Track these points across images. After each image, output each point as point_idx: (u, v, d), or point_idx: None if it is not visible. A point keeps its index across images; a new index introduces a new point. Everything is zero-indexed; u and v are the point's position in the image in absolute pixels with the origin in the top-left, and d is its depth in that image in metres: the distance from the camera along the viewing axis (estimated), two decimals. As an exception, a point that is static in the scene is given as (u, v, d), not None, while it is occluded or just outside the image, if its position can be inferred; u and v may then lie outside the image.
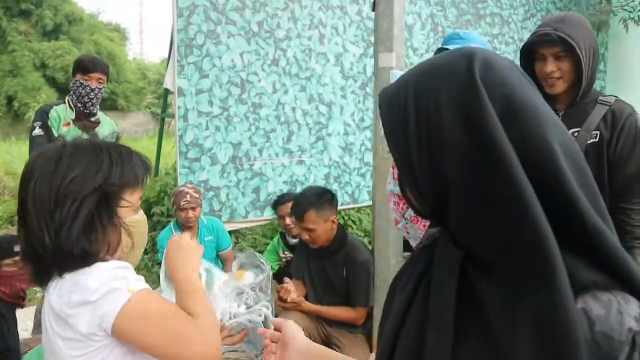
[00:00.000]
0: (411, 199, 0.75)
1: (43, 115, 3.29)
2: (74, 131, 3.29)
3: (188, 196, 3.51)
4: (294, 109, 5.20)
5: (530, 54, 1.94)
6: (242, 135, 4.89)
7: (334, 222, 2.68)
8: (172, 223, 3.74)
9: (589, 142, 1.85)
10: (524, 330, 0.60)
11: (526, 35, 6.89)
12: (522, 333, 0.60)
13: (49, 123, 3.26)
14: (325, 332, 2.79)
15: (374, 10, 2.75)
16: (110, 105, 15.60)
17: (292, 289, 2.67)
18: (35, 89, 14.60)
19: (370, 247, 3.29)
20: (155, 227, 4.80)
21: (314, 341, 2.89)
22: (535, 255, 0.58)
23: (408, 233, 1.81)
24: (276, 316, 3.06)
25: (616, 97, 1.94)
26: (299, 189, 5.26)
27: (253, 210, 5.01)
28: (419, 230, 0.74)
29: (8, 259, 2.09)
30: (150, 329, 1.07)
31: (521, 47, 1.98)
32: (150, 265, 4.61)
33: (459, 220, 0.66)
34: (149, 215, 4.83)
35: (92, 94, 3.36)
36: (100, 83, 3.39)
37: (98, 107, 3.50)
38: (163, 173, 5.32)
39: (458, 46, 2.27)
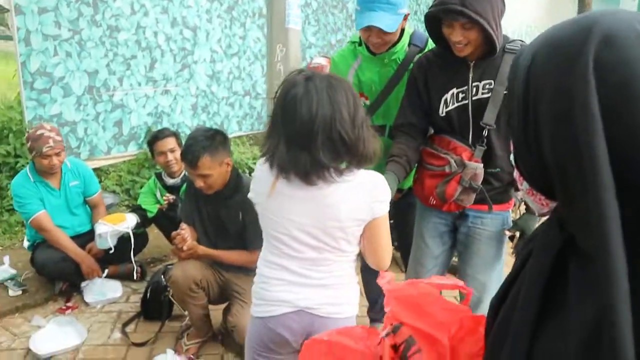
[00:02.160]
0: (524, 172, 0.73)
1: None
2: None
3: (50, 140, 3.07)
4: (155, 33, 4.73)
5: (437, 17, 1.92)
6: (98, 62, 4.36)
7: (228, 164, 2.52)
8: (27, 168, 3.26)
9: (504, 93, 1.93)
10: (582, 333, 0.59)
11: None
12: (579, 335, 0.59)
13: None
14: (222, 278, 2.71)
15: None
16: None
17: (187, 236, 2.52)
18: None
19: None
20: (-1, 168, 4.18)
21: (212, 289, 2.81)
22: (599, 254, 0.57)
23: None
24: (171, 265, 2.91)
25: (522, 41, 2.02)
26: (164, 121, 4.91)
27: (115, 146, 4.60)
28: (535, 202, 0.72)
29: None
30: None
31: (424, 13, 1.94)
32: (0, 213, 4.05)
33: (559, 201, 0.65)
34: (-8, 157, 4.18)
35: None
36: None
37: None
38: (2, 106, 4.56)
39: (383, 12, 2.14)
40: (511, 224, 2.20)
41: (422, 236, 2.30)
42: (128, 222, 3.25)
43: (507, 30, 1.96)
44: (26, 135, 3.14)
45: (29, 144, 3.11)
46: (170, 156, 3.34)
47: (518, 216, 2.31)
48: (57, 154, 3.14)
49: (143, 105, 4.75)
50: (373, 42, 2.27)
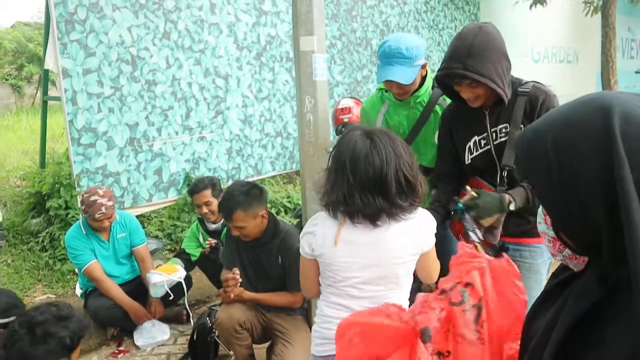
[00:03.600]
0: (566, 241, 0.82)
1: None
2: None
3: (103, 207, 3.31)
4: (189, 84, 5.00)
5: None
6: (138, 115, 4.63)
7: (263, 216, 2.67)
8: (80, 222, 3.49)
9: None
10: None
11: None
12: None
13: None
14: (264, 318, 2.83)
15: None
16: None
17: (240, 279, 2.67)
18: None
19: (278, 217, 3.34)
20: (51, 220, 4.43)
21: (255, 329, 2.93)
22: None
23: None
24: (215, 306, 3.06)
25: (534, 82, 2.12)
26: (201, 166, 5.14)
27: (156, 193, 4.83)
28: (578, 264, 0.80)
29: None
30: None
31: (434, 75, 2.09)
32: (52, 264, 4.29)
33: (608, 256, 0.74)
34: (45, 210, 4.45)
35: None
36: None
37: None
38: (52, 161, 4.87)
39: (400, 65, 2.29)
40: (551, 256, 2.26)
41: None
42: (180, 272, 3.45)
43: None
44: (80, 197, 3.36)
45: (82, 207, 3.34)
46: (205, 209, 3.53)
47: None
48: (108, 218, 3.38)
49: (181, 153, 4.99)
50: (395, 92, 2.43)
